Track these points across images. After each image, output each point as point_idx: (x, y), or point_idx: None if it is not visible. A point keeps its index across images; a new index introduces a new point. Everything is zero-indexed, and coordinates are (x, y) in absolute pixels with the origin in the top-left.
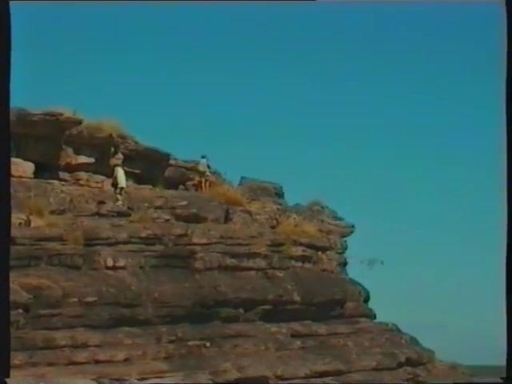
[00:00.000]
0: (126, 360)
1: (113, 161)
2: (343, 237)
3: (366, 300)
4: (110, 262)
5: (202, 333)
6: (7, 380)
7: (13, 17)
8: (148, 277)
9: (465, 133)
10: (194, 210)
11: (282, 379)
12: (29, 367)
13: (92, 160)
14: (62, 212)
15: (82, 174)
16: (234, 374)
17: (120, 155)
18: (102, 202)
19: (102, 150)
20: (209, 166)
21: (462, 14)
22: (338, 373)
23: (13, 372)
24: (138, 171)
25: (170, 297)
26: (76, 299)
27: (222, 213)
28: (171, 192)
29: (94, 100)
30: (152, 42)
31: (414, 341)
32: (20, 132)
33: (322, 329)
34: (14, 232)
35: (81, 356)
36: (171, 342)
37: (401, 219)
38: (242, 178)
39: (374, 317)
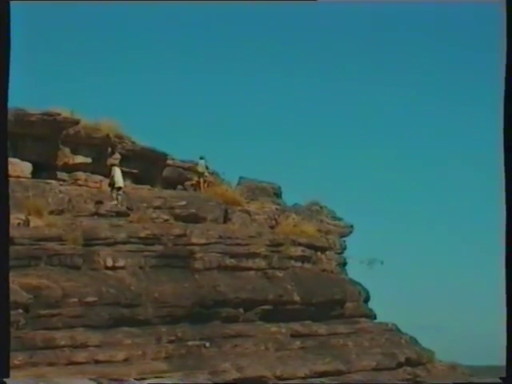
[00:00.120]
0: (125, 360)
1: (110, 161)
2: (342, 237)
3: (366, 300)
4: (109, 262)
5: (202, 333)
6: (6, 380)
7: (12, 17)
8: (147, 277)
9: (464, 133)
10: (193, 210)
11: (282, 379)
12: (29, 367)
13: (89, 160)
14: (60, 212)
15: (81, 174)
16: (233, 374)
17: (117, 155)
18: (100, 202)
19: (100, 149)
20: (207, 167)
21: (462, 14)
22: (337, 373)
23: (13, 372)
24: (135, 171)
25: (169, 297)
26: (76, 299)
27: (220, 213)
28: (170, 192)
29: (91, 100)
30: (150, 42)
31: (413, 341)
32: (18, 132)
33: (321, 329)
34: (13, 232)
35: (80, 356)
36: (171, 342)
37: (400, 219)
38: (241, 178)
39: (374, 317)
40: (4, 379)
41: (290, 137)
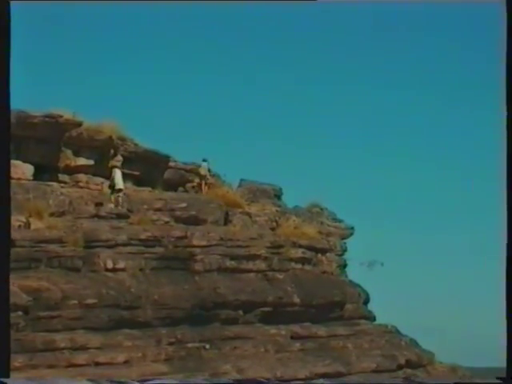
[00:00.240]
0: (125, 362)
1: (112, 163)
2: (343, 239)
3: (366, 302)
4: (109, 264)
5: (202, 335)
6: (7, 380)
7: (13, 17)
8: (148, 279)
9: (464, 135)
10: (194, 212)
11: (282, 381)
12: (29, 369)
13: (91, 162)
14: (61, 214)
15: (82, 176)
16: (233, 376)
17: (119, 157)
18: (100, 204)
19: (102, 152)
20: (209, 170)
21: (462, 14)
22: (337, 375)
23: (12, 374)
24: (137, 173)
25: (169, 299)
26: (76, 301)
27: (221, 215)
28: (170, 194)
29: (93, 102)
30: (152, 44)
31: (413, 343)
32: (20, 134)
33: (321, 331)
34: (14, 234)
35: (81, 358)
36: (171, 344)
37: (401, 221)
38: (242, 180)
39: (374, 319)
40: (4, 379)
41: (290, 139)
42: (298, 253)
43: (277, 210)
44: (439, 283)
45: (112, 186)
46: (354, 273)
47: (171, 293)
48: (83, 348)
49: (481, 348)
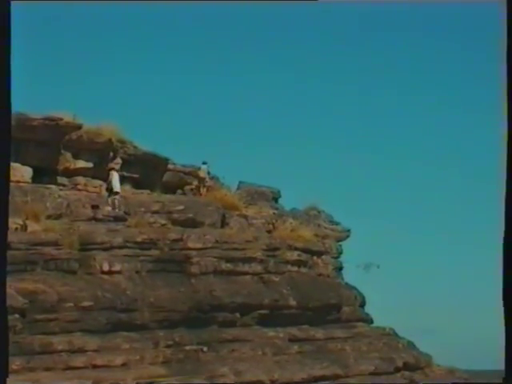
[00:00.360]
0: (123, 365)
1: (111, 166)
2: (339, 241)
3: (362, 304)
4: (105, 267)
5: (199, 337)
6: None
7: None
8: (144, 281)
9: (462, 136)
10: (191, 215)
11: None
12: (26, 372)
13: (90, 165)
14: (58, 217)
15: (80, 179)
16: (231, 379)
17: (119, 160)
18: (98, 207)
19: (101, 154)
20: (209, 173)
21: (462, 14)
22: (335, 377)
23: (10, 377)
24: (136, 176)
25: (165, 301)
26: (72, 304)
27: (218, 217)
28: (168, 196)
29: (93, 105)
30: (151, 46)
31: (411, 345)
32: (19, 137)
33: (319, 333)
34: (10, 237)
35: (78, 361)
36: (168, 346)
37: (397, 223)
38: (240, 182)
39: (371, 321)
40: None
41: (288, 141)
42: (293, 255)
43: (274, 213)
44: (436, 285)
45: (109, 189)
46: (350, 275)
47: (167, 295)
48: (81, 350)
49: (478, 351)
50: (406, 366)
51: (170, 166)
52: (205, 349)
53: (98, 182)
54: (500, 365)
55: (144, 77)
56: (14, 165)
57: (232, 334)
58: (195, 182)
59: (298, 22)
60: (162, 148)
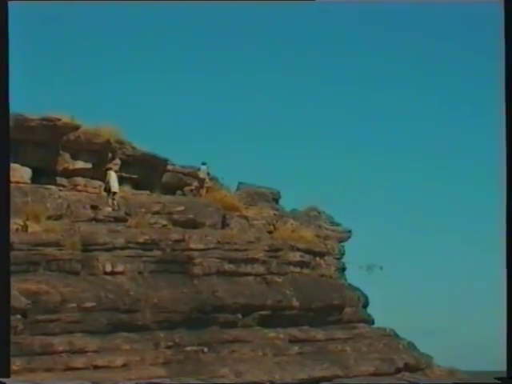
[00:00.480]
0: (123, 365)
1: (109, 166)
2: (341, 242)
3: (365, 305)
4: (108, 268)
5: (200, 338)
6: (6, 380)
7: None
8: (146, 282)
9: (463, 137)
10: (191, 216)
11: None
12: (26, 373)
13: (89, 165)
14: (59, 217)
15: (80, 180)
16: (231, 380)
17: (117, 160)
18: (98, 208)
19: (100, 155)
20: (209, 174)
21: (462, 14)
22: (335, 378)
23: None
24: (135, 176)
25: (168, 302)
26: (74, 304)
27: (219, 218)
28: (168, 197)
29: (91, 105)
30: (150, 47)
31: (411, 346)
32: (18, 137)
33: (319, 334)
34: (11, 237)
35: (79, 361)
36: (169, 347)
37: (399, 224)
38: (240, 183)
39: (373, 322)
40: (3, 379)
41: (288, 142)
42: (296, 256)
43: (274, 214)
44: (438, 286)
45: (108, 190)
46: (352, 276)
47: (170, 296)
48: (81, 351)
49: (479, 352)
50: (407, 367)
51: (169, 167)
52: (205, 349)
53: (98, 183)
54: (500, 366)
55: (142, 77)
56: (14, 165)
57: (233, 334)
58: (195, 183)
59: (297, 21)
60: (161, 149)
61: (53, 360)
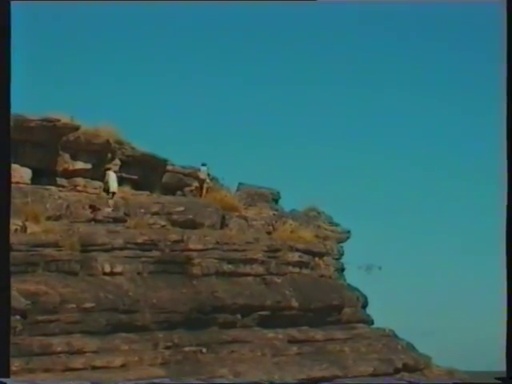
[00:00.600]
0: (122, 366)
1: (109, 167)
2: (340, 242)
3: (364, 306)
4: (107, 268)
5: (199, 339)
6: (5, 380)
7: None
8: (145, 283)
9: (463, 137)
10: (191, 216)
11: None
12: (25, 373)
13: (89, 166)
14: (58, 218)
15: (80, 180)
16: (230, 380)
17: (117, 161)
18: (97, 208)
19: (99, 155)
20: (209, 174)
21: (462, 14)
22: (334, 378)
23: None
24: (135, 177)
25: (167, 303)
26: (74, 305)
27: (218, 219)
28: (168, 198)
29: (91, 106)
30: (150, 47)
31: (410, 346)
32: (17, 138)
33: (318, 334)
34: (11, 238)
35: (77, 362)
36: (168, 347)
37: (398, 225)
38: (240, 183)
39: (372, 322)
40: (4, 379)
41: (288, 142)
42: (295, 256)
43: (274, 214)
44: (437, 287)
45: (106, 189)
46: (351, 276)
47: (169, 297)
48: (80, 352)
49: (478, 352)
50: (405, 368)
51: (169, 168)
52: (204, 350)
53: (98, 183)
54: (500, 366)
55: (142, 78)
56: (13, 166)
57: (231, 335)
58: (195, 184)
59: (297, 22)
60: (161, 149)
61: (51, 360)
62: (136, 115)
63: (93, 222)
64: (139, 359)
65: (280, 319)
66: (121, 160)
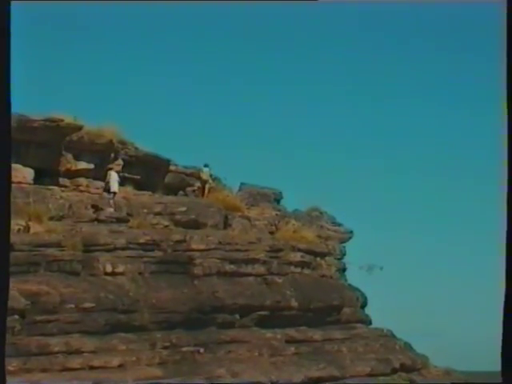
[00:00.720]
0: (120, 366)
1: (112, 167)
2: (342, 242)
3: (363, 306)
4: (108, 268)
5: (197, 339)
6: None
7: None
8: (147, 283)
9: (464, 138)
10: (193, 216)
11: None
12: (23, 373)
13: (92, 166)
14: (60, 218)
15: (82, 180)
16: (228, 380)
17: (120, 161)
18: (98, 208)
19: (102, 155)
20: (211, 175)
21: (462, 14)
22: (332, 379)
23: (7, 378)
24: (137, 177)
25: (168, 303)
26: (73, 305)
27: (220, 219)
28: (170, 198)
29: (94, 106)
30: (153, 47)
31: (408, 346)
32: (20, 138)
33: (317, 334)
34: (13, 238)
35: (75, 362)
36: (165, 347)
37: (400, 225)
38: (242, 183)
39: (370, 322)
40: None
41: (290, 143)
42: (296, 257)
43: (276, 214)
44: (436, 287)
45: (107, 189)
46: (353, 277)
47: (169, 297)
48: (78, 352)
49: (476, 352)
50: (403, 367)
51: (172, 168)
52: (201, 350)
53: (100, 184)
54: (497, 366)
55: (145, 78)
56: (16, 166)
57: (229, 335)
58: (197, 184)
59: (299, 23)
60: (164, 149)
61: (49, 360)
62: (139, 115)
63: (95, 222)
64: (137, 359)
65: (279, 319)
66: (124, 160)
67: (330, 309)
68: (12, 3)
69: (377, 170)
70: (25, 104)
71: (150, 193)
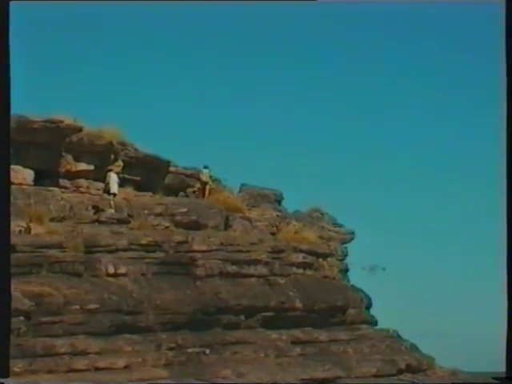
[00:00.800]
0: (125, 367)
1: (112, 168)
2: (343, 243)
3: (368, 307)
4: (111, 269)
5: (202, 340)
6: (5, 380)
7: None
8: (149, 284)
9: (465, 140)
10: (194, 217)
11: None
12: (28, 375)
13: (92, 167)
14: (61, 219)
15: (82, 181)
16: (233, 381)
17: (120, 162)
18: (100, 209)
19: (102, 157)
20: (211, 176)
21: (462, 14)
22: (337, 380)
23: (12, 379)
24: (137, 178)
25: (171, 304)
26: (78, 306)
27: (221, 220)
28: (171, 199)
29: (94, 107)
30: (152, 48)
31: (413, 347)
32: (20, 139)
33: (322, 335)
34: (14, 239)
35: (80, 363)
36: (171, 349)
37: (402, 225)
38: (242, 184)
39: (376, 323)
40: (2, 380)
41: (291, 144)
42: (298, 257)
43: (277, 215)
44: (440, 288)
45: (107, 191)
46: (355, 277)
47: (173, 298)
48: (83, 353)
49: (481, 353)
50: (409, 368)
51: (172, 169)
52: (207, 351)
53: (101, 185)
54: (502, 367)
55: (145, 79)
56: (16, 167)
57: (235, 336)
58: (197, 185)
59: (299, 24)
60: (164, 150)
61: (54, 362)
62: (139, 116)
63: (96, 224)
64: (142, 360)
65: (284, 320)
66: (124, 161)
67: (335, 310)
68: (11, 3)
69: (378, 170)
70: (25, 105)
71: (150, 194)
